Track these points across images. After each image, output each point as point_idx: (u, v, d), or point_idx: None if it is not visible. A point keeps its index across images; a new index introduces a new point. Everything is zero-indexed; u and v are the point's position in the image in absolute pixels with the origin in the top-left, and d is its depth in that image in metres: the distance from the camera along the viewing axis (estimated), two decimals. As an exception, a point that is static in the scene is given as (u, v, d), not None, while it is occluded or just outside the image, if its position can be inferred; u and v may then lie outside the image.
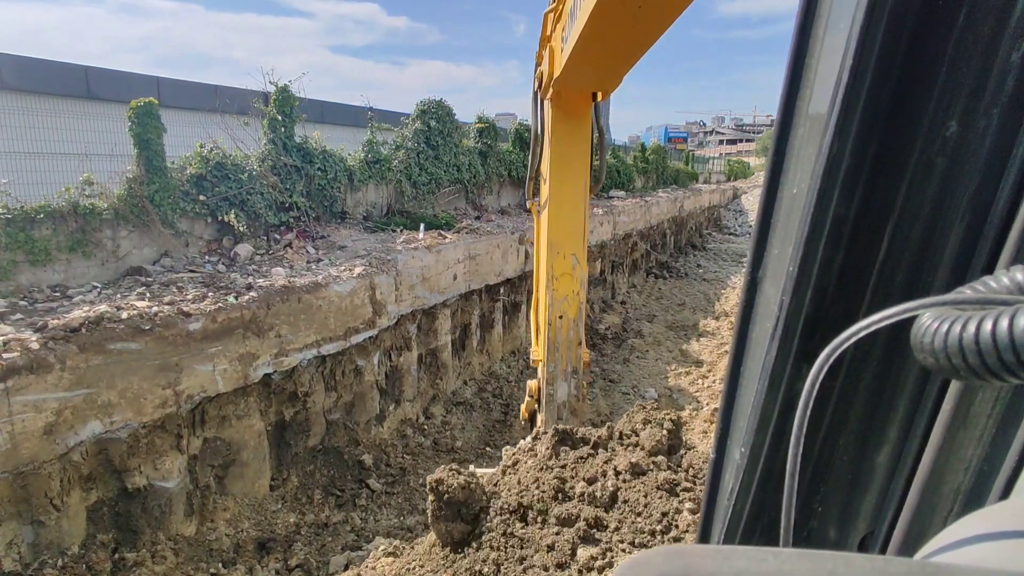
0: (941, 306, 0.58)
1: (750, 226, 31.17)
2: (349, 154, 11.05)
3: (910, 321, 0.60)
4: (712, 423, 9.75)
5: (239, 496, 6.74)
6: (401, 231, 10.52)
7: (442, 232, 10.62)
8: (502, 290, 11.80)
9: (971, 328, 0.52)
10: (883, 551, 0.92)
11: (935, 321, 0.56)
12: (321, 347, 7.42)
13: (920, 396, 0.89)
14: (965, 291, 0.58)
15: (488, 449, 8.79)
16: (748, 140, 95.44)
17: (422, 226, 10.57)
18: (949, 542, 0.57)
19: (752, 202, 35.25)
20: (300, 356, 7.16)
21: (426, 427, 9.22)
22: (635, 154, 26.86)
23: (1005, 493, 0.78)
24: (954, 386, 0.81)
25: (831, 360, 0.68)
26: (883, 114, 0.81)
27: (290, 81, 9.63)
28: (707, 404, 10.47)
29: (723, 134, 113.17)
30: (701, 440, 9.10)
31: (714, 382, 11.61)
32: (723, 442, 1.08)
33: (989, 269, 0.79)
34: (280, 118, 9.35)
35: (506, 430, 9.44)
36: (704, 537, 1.13)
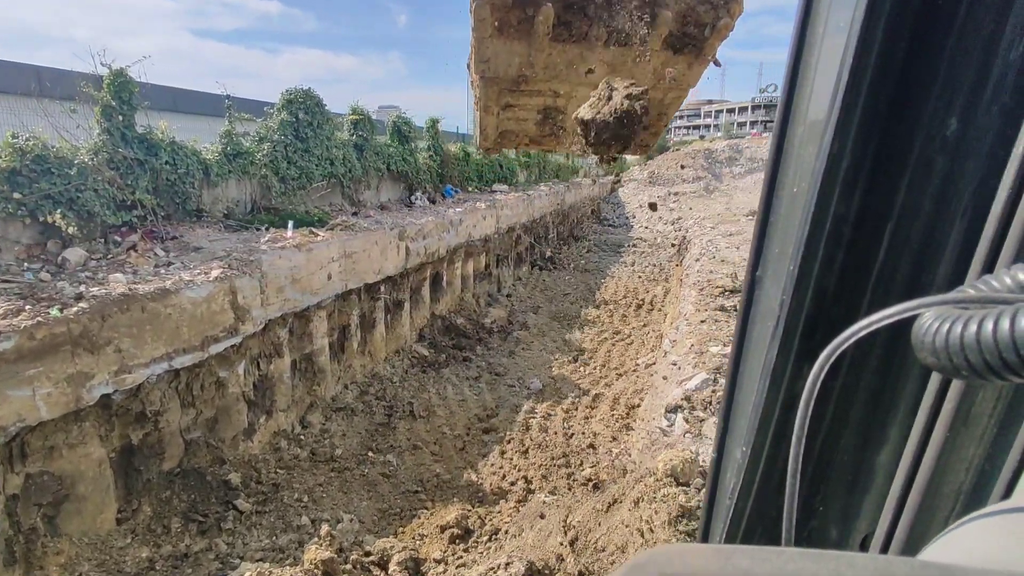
0: (942, 305, 0.57)
1: (627, 217, 32.87)
2: (205, 146, 10.10)
3: (911, 320, 0.59)
4: (593, 408, 10.11)
5: (76, 536, 5.91)
6: (267, 229, 9.80)
7: (314, 230, 10.04)
8: (383, 288, 11.41)
9: (972, 327, 0.51)
10: (885, 551, 0.91)
11: (936, 320, 0.55)
12: (173, 360, 6.70)
13: (921, 395, 0.87)
14: (967, 290, 0.57)
15: (371, 454, 8.46)
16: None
17: (291, 224, 9.92)
18: (951, 542, 0.56)
19: (629, 195, 37.17)
20: (147, 371, 6.41)
21: (303, 437, 8.69)
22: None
23: (1007, 493, 0.77)
24: (955, 385, 0.80)
25: (832, 359, 0.67)
26: (883, 113, 0.80)
27: (129, 64, 8.58)
28: (589, 391, 10.83)
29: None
30: (583, 426, 9.38)
31: (595, 369, 12.05)
32: (724, 441, 1.06)
33: (989, 268, 0.77)
34: (116, 105, 8.30)
35: (390, 433, 9.15)
36: (706, 536, 1.11)
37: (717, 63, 2.50)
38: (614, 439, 8.85)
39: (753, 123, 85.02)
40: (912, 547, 0.85)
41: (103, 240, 8.03)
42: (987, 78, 0.77)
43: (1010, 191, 0.75)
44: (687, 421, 4.60)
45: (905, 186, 0.82)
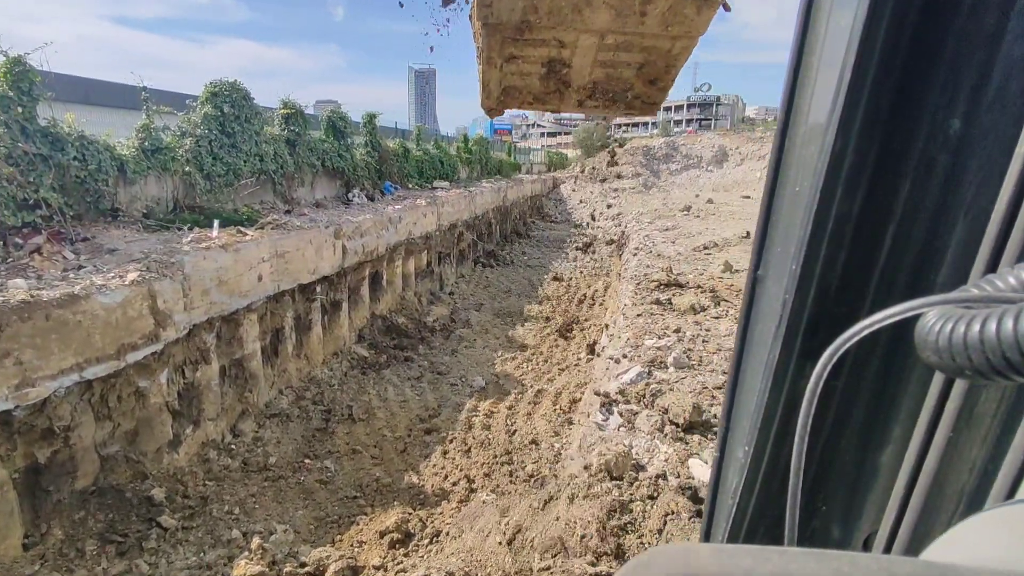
0: (945, 304, 0.57)
1: (569, 213, 33.25)
2: (120, 141, 9.46)
3: (914, 320, 0.59)
4: (536, 404, 10.15)
5: (-25, 566, 5.41)
6: (191, 229, 9.28)
7: (242, 229, 9.60)
8: (319, 289, 11.05)
9: (976, 327, 0.51)
10: (887, 550, 0.90)
11: (940, 320, 0.55)
12: (84, 370, 6.24)
13: (924, 395, 0.86)
14: (970, 289, 0.57)
15: (307, 461, 8.18)
16: (566, 133, 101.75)
17: (216, 223, 9.44)
18: (954, 542, 0.56)
19: (570, 191, 37.61)
20: (54, 384, 5.94)
21: (234, 446, 8.30)
22: (458, 145, 27.05)
23: (1010, 493, 0.76)
24: (958, 385, 0.79)
25: (835, 359, 0.67)
26: (885, 111, 0.79)
27: (27, 52, 7.91)
28: (531, 387, 10.86)
29: (544, 127, 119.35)
30: (525, 422, 9.40)
31: (538, 364, 12.11)
32: (726, 441, 1.05)
33: (993, 267, 0.76)
34: (14, 96, 7.64)
35: (328, 438, 8.87)
36: (708, 536, 1.10)
37: (727, 7, 2.42)
38: (556, 434, 8.91)
39: (689, 121, 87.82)
40: (915, 547, 0.85)
41: (2, 243, 7.39)
42: (990, 76, 0.77)
43: (1013, 190, 0.74)
44: (621, 415, 4.65)
45: (908, 185, 0.82)
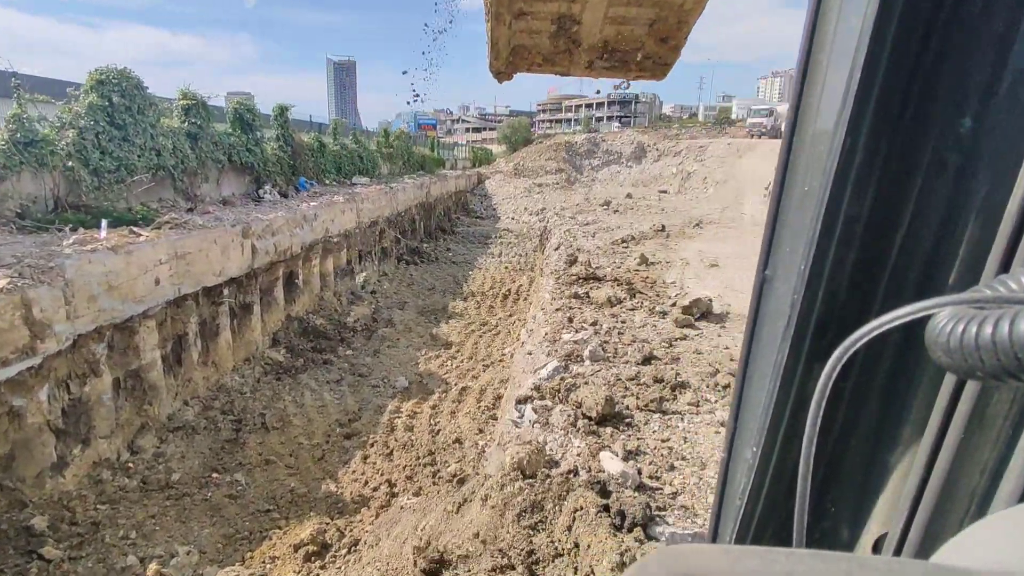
0: (957, 305, 0.56)
1: (494, 209, 33.28)
2: (-14, 133, 8.47)
3: (925, 320, 0.58)
4: (460, 402, 10.04)
5: None
6: (74, 230, 8.47)
7: (136, 229, 8.87)
8: (226, 292, 10.42)
9: (988, 328, 0.51)
10: (898, 553, 0.88)
11: (951, 320, 0.55)
12: (-58, 391, 5.53)
13: (934, 396, 0.84)
14: (982, 290, 0.56)
15: (215, 475, 7.68)
16: (491, 129, 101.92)
17: (104, 223, 8.67)
18: (965, 545, 0.56)
19: (495, 186, 37.65)
20: (-97, 409, 5.22)
21: (132, 464, 7.67)
22: (379, 140, 26.39)
23: (1023, 496, 0.75)
24: (970, 386, 0.78)
25: (844, 359, 0.67)
26: (895, 110, 0.78)
27: None
28: (456, 384, 10.74)
29: (469, 123, 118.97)
30: (449, 421, 9.28)
31: (462, 362, 12.00)
32: (733, 441, 1.05)
33: (1005, 267, 0.74)
34: None
35: (239, 449, 8.38)
36: (715, 537, 1.08)
37: None
38: (480, 431, 8.85)
39: (610, 118, 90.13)
40: (926, 549, 0.83)
41: None
42: (1002, 75, 0.75)
43: None
44: (536, 411, 4.64)
45: (918, 184, 0.82)
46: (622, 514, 3.04)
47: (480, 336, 13.57)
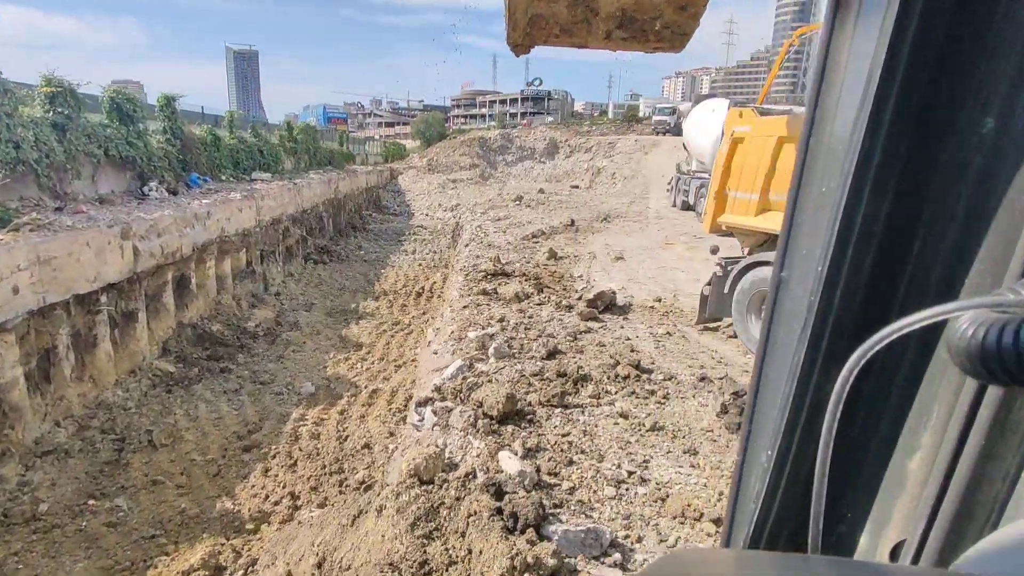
0: (978, 309, 0.56)
1: (408, 205, 32.67)
2: None
3: (945, 323, 0.58)
4: (370, 406, 9.73)
5: None
6: (-93, 234, 7.36)
7: (-13, 231, 7.85)
8: (104, 299, 9.48)
9: (1010, 332, 0.50)
10: (916, 561, 0.86)
11: (972, 324, 0.54)
12: None
13: (955, 401, 0.82)
14: (1005, 294, 0.55)
15: (92, 502, 6.97)
16: (404, 123, 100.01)
17: (-55, 225, 7.60)
18: (985, 554, 0.54)
19: (408, 182, 36.97)
20: None
21: (-11, 498, 6.80)
22: (281, 133, 25.10)
23: None
24: (992, 391, 0.76)
25: (862, 362, 0.67)
26: (916, 110, 0.77)
27: None
28: (366, 387, 10.40)
29: (381, 116, 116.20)
30: (358, 426, 8.96)
31: (373, 363, 11.65)
32: (748, 444, 1.04)
33: None
34: None
35: (120, 472, 7.66)
36: (729, 541, 1.06)
37: None
38: (391, 435, 8.60)
39: (523, 114, 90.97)
40: (945, 558, 0.82)
41: None
42: None
43: None
44: (436, 413, 4.52)
45: (939, 186, 0.80)
46: (515, 516, 2.99)
47: (392, 336, 13.24)
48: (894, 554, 0.93)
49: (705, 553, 0.46)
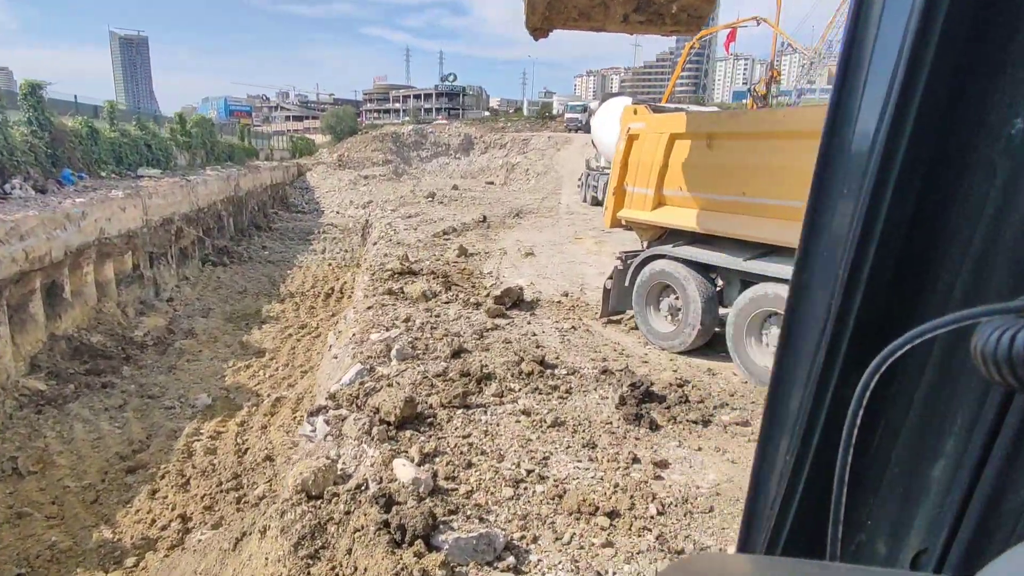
0: (1005, 314, 0.55)
1: (317, 202, 31.40)
2: None
3: (969, 329, 0.57)
4: (273, 415, 9.23)
5: None
6: None
7: None
8: (-48, 312, 8.37)
9: None
10: (938, 571, 0.85)
11: (998, 330, 0.54)
12: None
13: (980, 408, 0.80)
14: None
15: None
16: (314, 117, 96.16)
17: None
18: (1011, 565, 0.54)
19: (318, 179, 35.54)
20: None
21: None
22: (173, 127, 23.31)
23: None
24: (1019, 398, 0.74)
25: (884, 367, 0.68)
26: (941, 110, 0.76)
27: None
28: (268, 396, 9.86)
29: (289, 110, 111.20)
30: (259, 438, 8.47)
31: (277, 370, 11.08)
32: (765, 449, 1.04)
33: None
34: None
35: (-25, 506, 6.79)
36: (745, 546, 1.05)
37: None
38: (295, 445, 8.19)
39: (438, 109, 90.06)
40: (968, 568, 0.79)
41: None
42: None
43: None
44: (328, 423, 4.31)
45: (964, 188, 0.78)
46: (403, 528, 2.88)
47: (299, 340, 12.65)
48: (915, 563, 0.92)
49: (720, 557, 0.42)
